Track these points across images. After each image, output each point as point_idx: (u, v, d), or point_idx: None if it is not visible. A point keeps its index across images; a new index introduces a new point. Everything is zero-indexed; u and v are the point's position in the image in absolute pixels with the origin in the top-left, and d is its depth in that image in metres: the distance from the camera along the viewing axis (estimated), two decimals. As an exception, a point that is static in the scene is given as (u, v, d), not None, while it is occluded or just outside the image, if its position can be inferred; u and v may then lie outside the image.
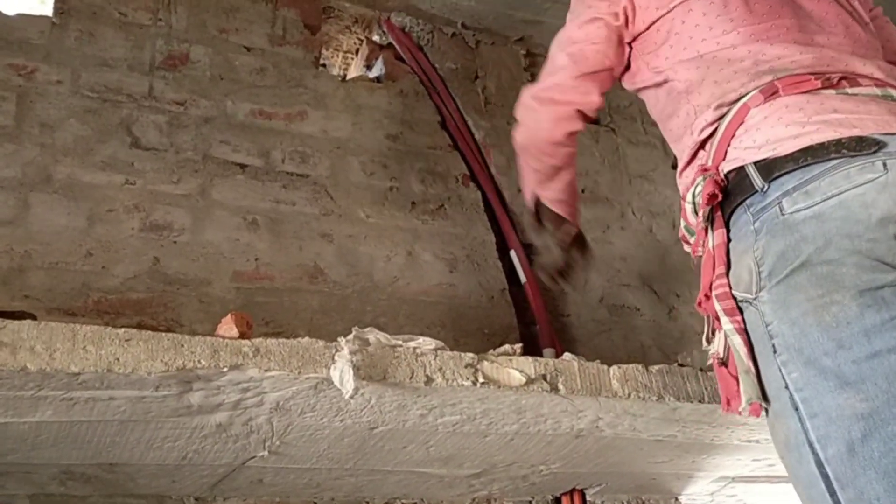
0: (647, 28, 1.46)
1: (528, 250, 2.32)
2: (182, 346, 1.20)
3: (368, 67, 2.54)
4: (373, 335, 1.37)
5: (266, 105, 2.16)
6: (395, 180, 2.23)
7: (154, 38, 2.10)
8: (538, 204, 1.73)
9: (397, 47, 2.50)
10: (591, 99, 1.52)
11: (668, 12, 1.41)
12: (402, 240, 2.16)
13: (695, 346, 1.75)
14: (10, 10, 2.00)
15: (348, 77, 2.57)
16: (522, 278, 2.22)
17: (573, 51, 1.52)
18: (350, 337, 1.32)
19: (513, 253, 2.26)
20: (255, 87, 2.16)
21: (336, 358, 1.29)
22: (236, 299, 1.85)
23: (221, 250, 1.91)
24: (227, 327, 1.28)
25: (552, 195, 1.70)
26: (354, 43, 2.60)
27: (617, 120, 2.68)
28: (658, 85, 1.45)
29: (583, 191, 2.50)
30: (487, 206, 2.33)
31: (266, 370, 1.23)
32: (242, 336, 1.27)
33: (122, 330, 1.18)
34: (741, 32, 1.34)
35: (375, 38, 2.56)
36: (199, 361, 1.20)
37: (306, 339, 1.29)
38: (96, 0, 2.07)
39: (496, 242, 2.28)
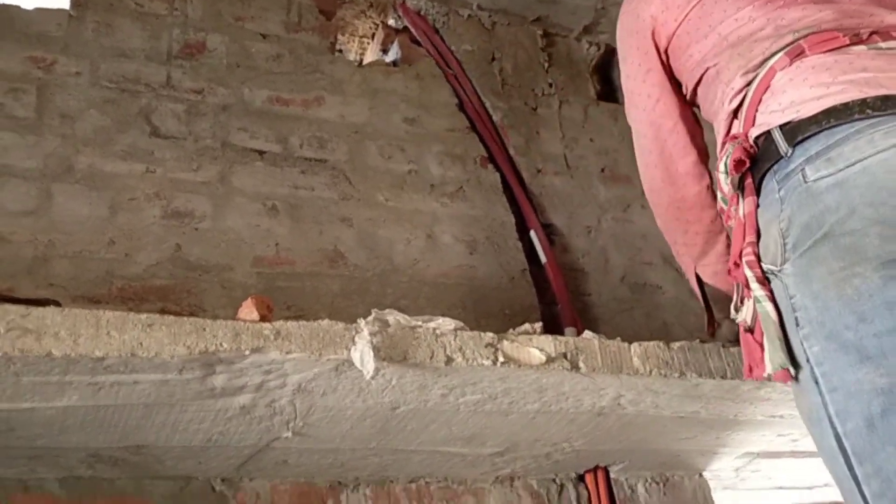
0: (670, 42, 1.46)
1: (548, 230, 2.32)
2: (204, 329, 1.22)
3: (384, 52, 2.54)
4: (392, 316, 1.37)
5: (283, 91, 2.17)
6: (412, 163, 2.24)
7: (171, 27, 2.11)
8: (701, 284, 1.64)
9: (413, 31, 2.49)
10: (691, 157, 1.51)
11: (685, 18, 1.41)
12: (421, 222, 2.16)
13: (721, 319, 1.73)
14: (28, 4, 2.02)
15: (365, 62, 2.57)
16: (543, 258, 2.22)
17: (653, 143, 1.53)
18: (370, 318, 1.33)
19: (532, 233, 2.26)
20: (271, 73, 2.17)
21: (356, 339, 1.30)
22: (258, 284, 1.86)
23: (242, 236, 1.92)
24: (248, 311, 1.29)
25: (710, 269, 1.60)
26: (370, 27, 2.60)
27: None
28: (698, 81, 1.44)
29: (602, 170, 2.50)
30: (506, 188, 2.33)
31: (287, 352, 1.24)
32: (263, 319, 1.28)
33: (145, 315, 1.19)
34: (755, 5, 1.32)
35: (391, 22, 2.56)
36: (221, 345, 1.21)
37: (326, 321, 1.30)
38: (113, -9, 2.08)
39: (516, 223, 2.28)
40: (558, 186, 2.41)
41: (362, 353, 1.29)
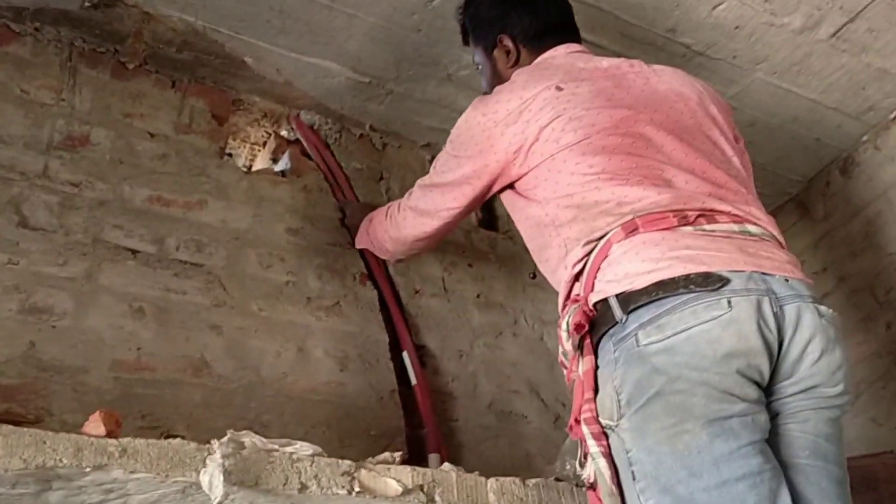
0: (517, 179, 1.56)
1: (421, 352, 2.34)
2: (44, 442, 1.16)
3: (275, 161, 2.56)
4: (248, 438, 1.35)
5: (165, 192, 2.14)
6: (291, 274, 2.23)
7: (55, 117, 2.07)
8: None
9: (304, 143, 2.53)
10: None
11: (535, 167, 1.50)
12: (293, 335, 2.14)
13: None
14: None
15: (253, 169, 2.59)
16: (413, 380, 2.22)
17: (434, 230, 1.87)
18: (224, 440, 1.30)
19: (405, 354, 2.27)
20: (155, 172, 2.14)
21: (207, 461, 1.26)
22: (113, 390, 1.79)
23: (103, 337, 1.85)
24: (94, 425, 1.24)
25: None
26: (262, 136, 2.63)
27: (514, 228, 2.75)
28: (538, 219, 1.52)
29: (478, 295, 2.55)
30: (383, 307, 2.34)
31: (132, 472, 1.20)
32: (110, 434, 1.23)
33: (-19, 423, 1.13)
34: (602, 178, 1.41)
35: (284, 132, 2.60)
36: (60, 460, 1.15)
37: (177, 440, 1.26)
38: (-2, 75, 2.04)
39: (389, 342, 2.29)
40: (434, 309, 2.44)
41: (212, 477, 1.25)
